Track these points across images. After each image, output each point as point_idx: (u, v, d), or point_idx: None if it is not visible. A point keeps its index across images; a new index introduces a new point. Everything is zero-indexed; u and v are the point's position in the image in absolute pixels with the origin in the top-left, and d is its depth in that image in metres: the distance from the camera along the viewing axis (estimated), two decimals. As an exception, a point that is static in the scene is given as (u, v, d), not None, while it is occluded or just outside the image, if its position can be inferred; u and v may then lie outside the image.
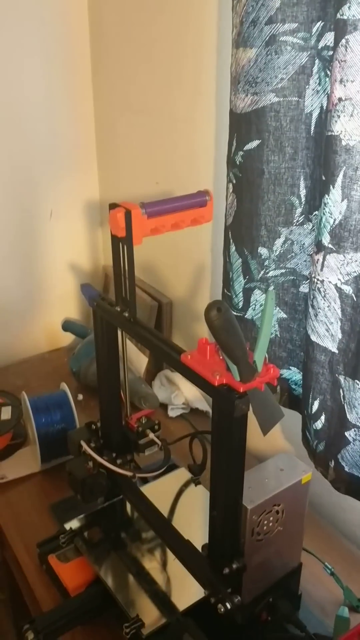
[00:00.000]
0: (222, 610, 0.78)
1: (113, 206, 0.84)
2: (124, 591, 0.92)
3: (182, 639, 0.85)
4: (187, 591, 0.90)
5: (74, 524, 1.04)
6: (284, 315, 1.06)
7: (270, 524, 0.82)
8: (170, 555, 0.97)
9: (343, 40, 0.76)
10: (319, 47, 0.87)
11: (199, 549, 0.86)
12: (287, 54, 0.89)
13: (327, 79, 0.88)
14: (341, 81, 0.78)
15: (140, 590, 0.92)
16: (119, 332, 0.97)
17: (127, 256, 0.86)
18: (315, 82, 0.89)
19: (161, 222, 0.86)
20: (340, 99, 0.79)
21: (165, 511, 1.04)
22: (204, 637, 0.83)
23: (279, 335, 1.08)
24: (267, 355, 0.72)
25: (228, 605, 0.78)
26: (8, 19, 1.44)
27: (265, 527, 0.82)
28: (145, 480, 1.14)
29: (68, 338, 1.78)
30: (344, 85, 0.78)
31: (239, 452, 0.74)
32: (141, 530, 1.04)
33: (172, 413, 1.43)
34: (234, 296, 1.10)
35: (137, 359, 1.54)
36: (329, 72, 0.87)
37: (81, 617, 0.92)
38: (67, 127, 1.63)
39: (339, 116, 0.80)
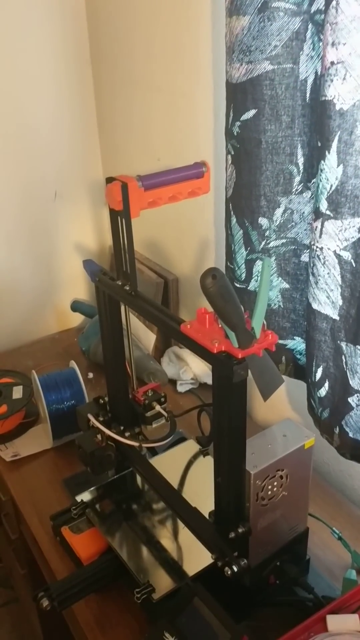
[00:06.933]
0: (228, 573, 0.80)
1: (110, 180, 0.84)
2: (135, 559, 0.94)
3: (192, 602, 0.87)
4: (196, 557, 0.92)
5: (85, 497, 1.06)
6: (287, 286, 1.07)
7: (275, 489, 0.83)
8: (180, 524, 0.99)
9: (333, 2, 0.76)
10: (312, 11, 0.86)
11: (207, 516, 0.87)
12: (280, 20, 0.88)
13: (321, 44, 0.87)
14: (333, 44, 0.78)
15: (150, 558, 0.95)
16: (122, 306, 0.99)
17: (125, 229, 0.87)
18: (309, 48, 0.89)
19: (158, 195, 0.86)
20: (332, 63, 0.79)
21: (174, 481, 1.06)
22: (214, 601, 0.85)
23: (282, 306, 1.08)
24: (265, 322, 0.73)
25: (235, 568, 0.79)
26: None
27: (269, 492, 0.83)
28: (154, 453, 1.16)
29: (78, 318, 1.80)
30: (336, 48, 0.78)
31: (240, 418, 0.75)
32: (151, 500, 1.06)
33: (181, 388, 1.45)
34: (236, 268, 1.10)
35: (145, 336, 1.55)
36: (322, 37, 0.86)
37: (94, 585, 0.94)
38: (67, 106, 1.63)
39: (332, 80, 0.79)
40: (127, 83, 1.50)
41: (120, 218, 0.87)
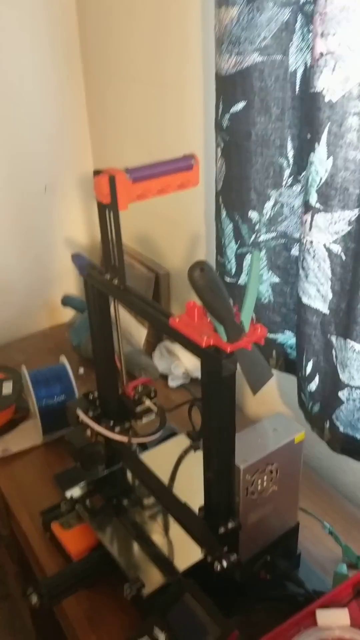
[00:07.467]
0: (218, 568, 0.79)
1: (97, 172, 0.83)
2: (125, 554, 0.94)
3: (183, 598, 0.87)
4: (187, 553, 0.91)
5: (75, 492, 1.06)
6: (277, 280, 1.06)
7: (265, 484, 0.83)
8: (170, 519, 0.98)
9: (322, -8, 0.75)
10: (301, 1, 0.85)
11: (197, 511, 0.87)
12: (269, 11, 0.87)
13: (310, 35, 0.86)
14: (322, 35, 0.77)
15: (141, 554, 0.94)
16: (112, 301, 0.98)
17: (113, 223, 0.86)
18: (299, 39, 0.88)
19: (147, 187, 0.85)
20: (321, 54, 0.78)
21: (164, 476, 1.05)
22: (204, 596, 0.85)
23: (272, 300, 1.08)
24: (254, 316, 0.72)
25: (224, 563, 0.79)
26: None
27: (259, 487, 0.83)
28: (145, 448, 1.15)
29: (69, 314, 1.79)
30: (325, 39, 0.77)
31: (229, 412, 0.75)
32: (141, 496, 1.05)
33: (173, 383, 1.44)
34: (226, 262, 1.09)
35: (136, 330, 1.54)
36: (311, 28, 0.85)
37: (84, 581, 0.93)
38: (57, 99, 1.62)
39: (321, 71, 0.79)
40: (117, 76, 1.49)
41: (108, 211, 0.86)
